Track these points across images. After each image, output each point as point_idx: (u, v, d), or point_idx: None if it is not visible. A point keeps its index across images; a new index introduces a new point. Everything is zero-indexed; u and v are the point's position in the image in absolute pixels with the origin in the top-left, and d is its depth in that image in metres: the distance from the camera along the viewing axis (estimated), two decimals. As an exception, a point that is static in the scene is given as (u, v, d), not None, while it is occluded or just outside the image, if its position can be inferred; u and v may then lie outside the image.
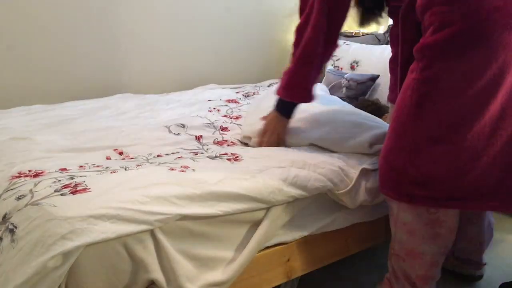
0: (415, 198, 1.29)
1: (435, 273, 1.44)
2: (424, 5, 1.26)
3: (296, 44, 1.59)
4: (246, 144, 1.76)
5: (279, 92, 1.63)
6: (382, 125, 1.71)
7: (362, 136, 1.62)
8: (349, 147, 1.60)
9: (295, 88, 1.61)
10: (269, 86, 2.83)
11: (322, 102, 1.89)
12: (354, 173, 1.50)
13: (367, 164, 1.54)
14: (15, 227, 1.07)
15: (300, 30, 1.58)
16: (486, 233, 1.70)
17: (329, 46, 1.62)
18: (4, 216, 1.13)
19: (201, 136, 1.76)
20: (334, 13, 1.55)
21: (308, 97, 1.63)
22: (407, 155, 1.27)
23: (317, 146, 1.65)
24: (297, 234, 1.44)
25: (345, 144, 1.61)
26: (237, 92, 2.62)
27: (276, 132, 1.65)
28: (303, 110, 1.72)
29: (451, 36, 1.20)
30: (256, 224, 1.32)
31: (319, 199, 1.47)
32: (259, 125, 1.70)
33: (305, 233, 1.46)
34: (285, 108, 1.65)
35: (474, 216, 1.65)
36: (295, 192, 1.36)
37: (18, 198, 1.15)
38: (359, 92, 2.40)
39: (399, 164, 1.29)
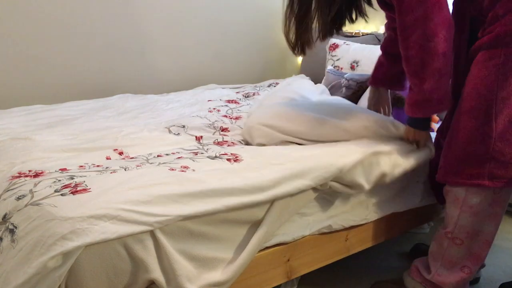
0: (496, 180, 1.41)
1: (486, 255, 1.56)
2: None
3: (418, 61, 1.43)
4: (246, 143, 1.77)
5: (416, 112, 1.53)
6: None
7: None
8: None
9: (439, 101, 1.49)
10: (269, 86, 2.82)
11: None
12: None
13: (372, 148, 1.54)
14: (15, 227, 1.07)
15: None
16: None
17: None
18: (4, 216, 1.13)
19: (201, 136, 1.76)
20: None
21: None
22: (492, 140, 1.38)
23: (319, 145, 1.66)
24: (297, 234, 1.44)
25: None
26: (237, 92, 2.62)
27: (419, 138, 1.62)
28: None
29: None
30: (256, 224, 1.32)
31: (320, 199, 1.47)
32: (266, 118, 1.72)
33: (305, 233, 1.47)
34: (421, 122, 1.59)
35: None
36: (298, 182, 1.36)
37: (18, 198, 1.15)
38: (360, 92, 2.40)
39: (482, 151, 1.40)
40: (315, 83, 2.63)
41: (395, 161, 1.57)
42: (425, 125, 1.59)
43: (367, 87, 2.37)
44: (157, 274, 1.14)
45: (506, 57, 1.34)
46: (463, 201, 1.49)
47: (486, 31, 1.39)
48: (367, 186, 1.51)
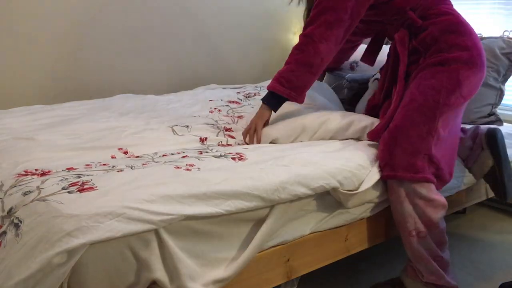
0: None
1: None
2: None
3: (301, 49, 1.68)
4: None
5: (275, 87, 1.70)
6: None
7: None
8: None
9: (296, 89, 1.69)
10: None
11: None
12: (364, 173, 1.53)
13: (377, 168, 1.57)
14: (20, 222, 1.07)
15: (311, 38, 1.66)
16: None
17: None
18: (10, 210, 1.13)
19: (206, 138, 1.76)
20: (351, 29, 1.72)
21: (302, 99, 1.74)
22: (432, 141, 1.57)
23: (322, 143, 1.67)
24: (297, 234, 1.45)
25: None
26: (238, 93, 2.62)
27: (255, 123, 1.72)
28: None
29: None
30: (259, 222, 1.33)
31: (322, 197, 1.48)
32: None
33: (305, 233, 1.47)
34: (276, 102, 1.73)
35: None
36: (299, 190, 1.37)
37: (25, 194, 1.15)
38: (361, 93, 2.41)
39: (425, 149, 1.56)
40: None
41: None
42: (273, 104, 1.73)
43: (365, 89, 2.38)
44: (159, 274, 1.14)
45: (450, 72, 1.62)
46: (413, 195, 1.56)
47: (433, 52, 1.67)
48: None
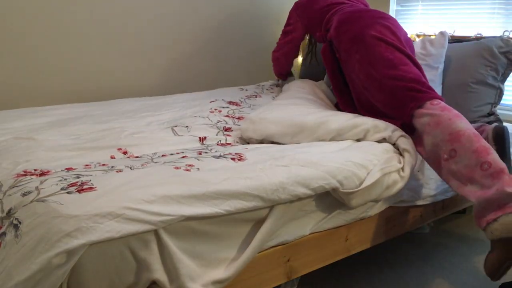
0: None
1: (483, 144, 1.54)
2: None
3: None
4: (247, 142, 1.78)
5: None
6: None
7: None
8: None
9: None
10: (270, 86, 2.84)
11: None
12: (365, 172, 1.52)
13: (379, 167, 1.56)
14: (20, 222, 1.07)
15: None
16: None
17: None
18: (9, 211, 1.13)
19: (205, 137, 1.77)
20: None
21: None
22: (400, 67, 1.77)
23: (322, 144, 1.67)
24: (297, 234, 1.45)
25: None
26: (238, 94, 2.63)
27: None
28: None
29: None
30: (259, 222, 1.33)
31: (322, 197, 1.48)
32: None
33: (305, 233, 1.47)
34: None
35: None
36: (299, 190, 1.37)
37: (24, 194, 1.15)
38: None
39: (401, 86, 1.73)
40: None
41: (394, 178, 1.59)
42: None
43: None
44: (159, 274, 1.14)
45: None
46: (421, 126, 1.63)
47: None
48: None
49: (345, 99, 2.03)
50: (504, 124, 2.28)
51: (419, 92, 1.67)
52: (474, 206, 1.49)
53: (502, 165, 1.45)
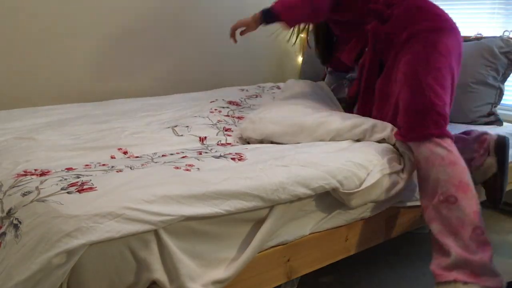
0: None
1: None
2: None
3: None
4: (247, 142, 1.78)
5: (277, 6, 1.92)
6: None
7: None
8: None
9: (291, 15, 1.91)
10: (272, 87, 2.84)
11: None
12: (365, 172, 1.52)
13: (379, 168, 1.56)
14: (20, 222, 1.07)
15: None
16: None
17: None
18: (9, 211, 1.13)
19: (205, 137, 1.77)
20: None
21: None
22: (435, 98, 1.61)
23: (322, 144, 1.67)
24: (297, 233, 1.45)
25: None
26: (239, 94, 2.63)
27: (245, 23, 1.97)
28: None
29: None
30: (259, 222, 1.33)
31: (322, 197, 1.48)
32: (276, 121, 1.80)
33: (305, 233, 1.47)
34: (270, 17, 1.95)
35: None
36: (299, 190, 1.36)
37: (24, 194, 1.15)
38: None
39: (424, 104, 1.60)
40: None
41: (394, 179, 1.59)
42: (269, 18, 1.96)
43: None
44: (159, 274, 1.14)
45: (422, 42, 1.72)
46: (430, 155, 1.55)
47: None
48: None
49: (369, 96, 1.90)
50: (501, 125, 2.29)
51: (445, 124, 1.61)
52: (442, 257, 1.49)
53: (489, 238, 1.48)
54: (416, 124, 1.60)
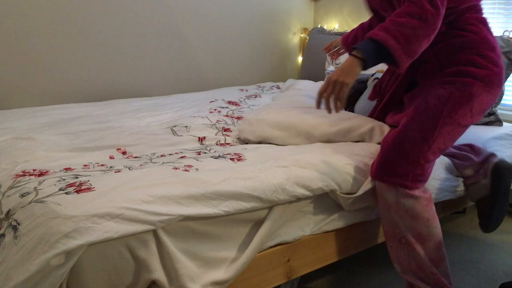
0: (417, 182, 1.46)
1: (445, 252, 1.52)
2: None
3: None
4: (245, 142, 1.78)
5: (387, 39, 1.36)
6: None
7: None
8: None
9: (409, 51, 1.39)
10: (271, 87, 2.84)
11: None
12: (363, 176, 1.52)
13: None
14: (18, 224, 1.07)
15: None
16: None
17: None
18: (8, 212, 1.13)
19: (204, 137, 1.76)
20: None
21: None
22: (427, 151, 1.46)
23: (321, 145, 1.67)
24: (297, 234, 1.45)
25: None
26: (238, 94, 2.63)
27: (341, 81, 1.38)
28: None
29: None
30: (258, 223, 1.33)
31: (321, 198, 1.48)
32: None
33: (305, 233, 1.47)
34: (374, 56, 1.39)
35: None
36: (298, 191, 1.37)
37: (22, 195, 1.15)
38: (360, 92, 2.41)
39: (416, 156, 1.44)
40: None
41: None
42: (370, 59, 1.38)
43: (364, 89, 2.39)
44: (159, 274, 1.14)
45: (462, 84, 1.48)
46: (395, 203, 1.47)
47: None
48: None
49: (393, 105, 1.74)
50: (500, 125, 2.28)
51: (422, 180, 1.47)
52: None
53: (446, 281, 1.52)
54: (388, 167, 1.46)
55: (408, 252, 1.50)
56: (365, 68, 1.39)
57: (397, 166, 1.45)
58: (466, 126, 1.52)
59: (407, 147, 1.45)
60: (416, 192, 1.46)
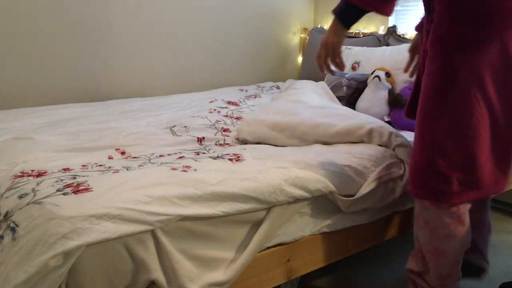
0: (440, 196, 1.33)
1: (459, 271, 1.46)
2: None
3: None
4: (244, 143, 1.77)
5: None
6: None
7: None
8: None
9: None
10: (271, 87, 2.84)
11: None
12: (362, 178, 1.52)
13: (376, 175, 1.55)
14: (17, 225, 1.07)
15: None
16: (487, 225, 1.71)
17: None
18: (6, 214, 1.13)
19: (203, 138, 1.76)
20: None
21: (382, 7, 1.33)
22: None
23: (320, 147, 1.66)
24: (297, 234, 1.44)
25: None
26: (238, 94, 2.63)
27: (331, 42, 1.39)
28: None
29: None
30: (257, 224, 1.32)
31: (319, 200, 1.47)
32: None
33: (305, 234, 1.47)
34: (348, 15, 1.38)
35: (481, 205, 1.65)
36: (297, 192, 1.36)
37: (20, 197, 1.15)
38: (361, 91, 2.41)
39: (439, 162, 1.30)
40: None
41: (391, 187, 1.59)
42: (346, 17, 1.38)
43: (364, 88, 2.39)
44: (157, 274, 1.13)
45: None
46: (436, 219, 1.37)
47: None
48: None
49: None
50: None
51: (449, 189, 1.31)
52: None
53: None
54: (417, 183, 1.36)
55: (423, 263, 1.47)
56: (345, 25, 1.39)
57: (418, 180, 1.37)
58: (467, 104, 1.28)
59: (418, 161, 1.36)
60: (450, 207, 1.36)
